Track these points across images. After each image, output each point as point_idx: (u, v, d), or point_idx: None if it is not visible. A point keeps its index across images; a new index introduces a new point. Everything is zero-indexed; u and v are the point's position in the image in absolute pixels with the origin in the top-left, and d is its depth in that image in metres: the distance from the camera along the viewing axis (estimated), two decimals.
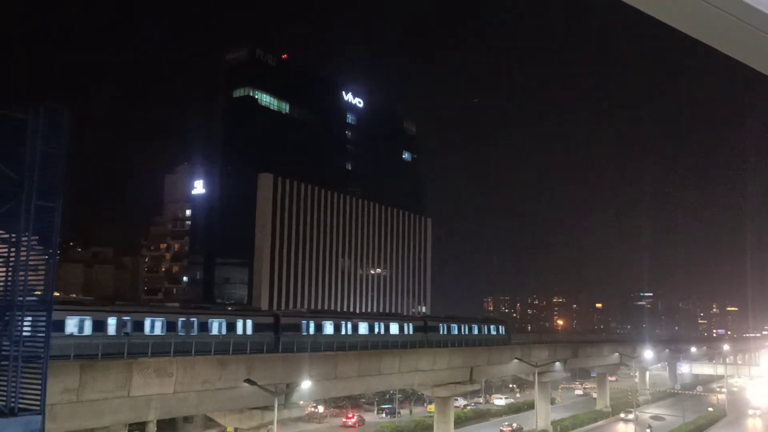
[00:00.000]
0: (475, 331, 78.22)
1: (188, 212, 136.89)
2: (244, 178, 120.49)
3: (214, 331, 46.33)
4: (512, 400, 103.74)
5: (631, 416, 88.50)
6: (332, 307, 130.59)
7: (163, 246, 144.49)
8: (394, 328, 65.21)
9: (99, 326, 38.53)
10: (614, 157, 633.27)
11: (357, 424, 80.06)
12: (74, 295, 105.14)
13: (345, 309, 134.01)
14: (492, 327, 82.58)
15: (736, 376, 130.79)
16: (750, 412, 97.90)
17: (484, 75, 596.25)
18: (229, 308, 67.15)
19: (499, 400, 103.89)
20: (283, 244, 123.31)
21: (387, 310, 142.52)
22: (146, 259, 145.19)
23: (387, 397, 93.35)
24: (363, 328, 61.06)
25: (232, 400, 42.16)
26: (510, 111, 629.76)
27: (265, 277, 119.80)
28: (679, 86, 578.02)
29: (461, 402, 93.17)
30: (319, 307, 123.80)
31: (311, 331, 54.59)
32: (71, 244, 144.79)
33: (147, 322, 42.04)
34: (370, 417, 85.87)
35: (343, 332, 58.04)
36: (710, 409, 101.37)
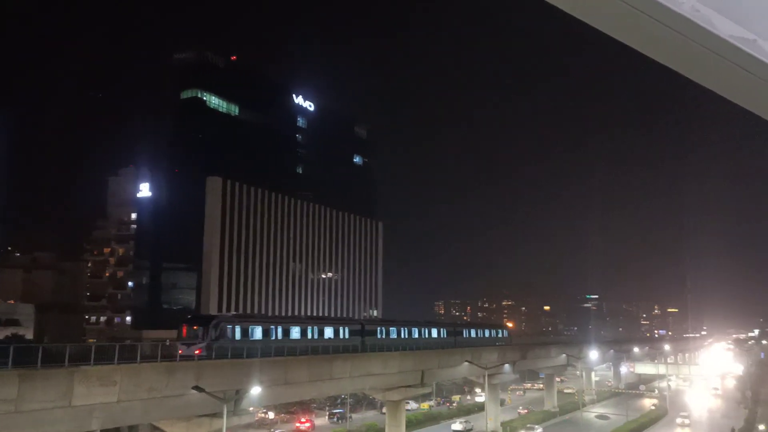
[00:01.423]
0: (487, 334, 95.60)
1: (133, 216, 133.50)
2: (192, 181, 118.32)
3: (326, 336, 60.83)
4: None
5: None
6: (283, 312, 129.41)
7: (106, 250, 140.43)
8: (434, 333, 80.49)
9: (266, 333, 53.50)
10: (563, 167, 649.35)
11: (311, 429, 79.34)
12: (12, 302, 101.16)
13: (296, 313, 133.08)
14: (499, 331, 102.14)
15: (676, 375, 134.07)
16: (678, 420, 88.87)
17: (436, 79, 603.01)
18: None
19: (480, 398, 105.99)
20: (233, 249, 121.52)
21: (338, 314, 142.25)
22: (89, 264, 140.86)
23: (338, 401, 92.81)
24: (415, 332, 75.30)
25: (179, 408, 41.09)
26: (462, 116, 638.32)
27: (213, 282, 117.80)
28: (626, 101, 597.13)
29: (413, 405, 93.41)
30: (270, 312, 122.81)
31: (383, 335, 69.04)
32: (9, 248, 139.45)
33: (293, 330, 57.07)
34: (321, 422, 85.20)
35: (403, 336, 72.21)
36: (652, 407, 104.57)
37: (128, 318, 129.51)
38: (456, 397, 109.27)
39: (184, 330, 49.59)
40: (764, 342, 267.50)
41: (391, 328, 72.11)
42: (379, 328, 70.27)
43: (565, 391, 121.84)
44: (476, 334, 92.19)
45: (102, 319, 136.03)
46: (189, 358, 43.65)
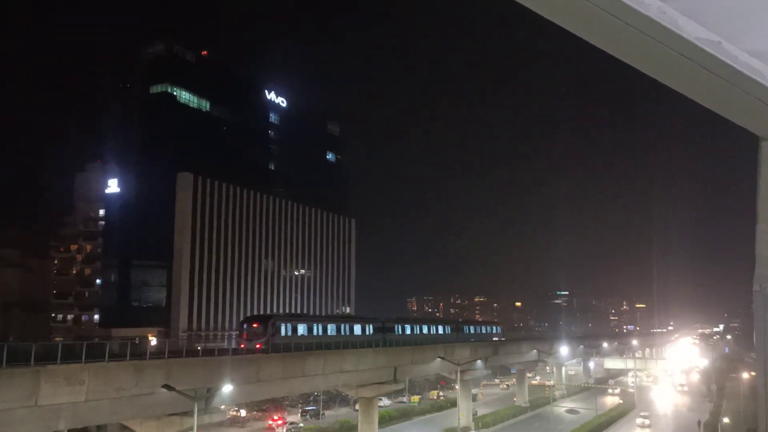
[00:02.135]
0: (484, 330, 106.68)
1: (101, 212, 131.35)
2: (162, 177, 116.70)
3: (356, 332, 68.89)
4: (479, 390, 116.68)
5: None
6: (256, 308, 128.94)
7: (74, 247, 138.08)
8: (440, 329, 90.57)
9: (310, 330, 62.10)
10: (536, 167, 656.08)
11: (285, 424, 79.06)
12: None
13: (269, 310, 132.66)
14: (494, 327, 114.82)
15: (636, 373, 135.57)
16: (639, 420, 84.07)
17: (410, 77, 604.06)
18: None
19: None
20: (204, 245, 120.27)
21: (311, 312, 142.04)
22: (55, 262, 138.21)
23: (311, 399, 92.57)
24: (425, 329, 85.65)
25: (149, 406, 40.59)
26: (437, 113, 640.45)
27: (184, 279, 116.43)
28: (595, 101, 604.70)
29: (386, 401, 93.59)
30: (242, 309, 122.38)
31: (400, 331, 77.90)
32: None
33: (329, 327, 66.15)
34: (294, 419, 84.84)
35: (416, 332, 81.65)
36: (620, 401, 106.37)
37: (96, 316, 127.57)
38: (434, 393, 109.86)
39: (245, 328, 59.64)
40: (728, 337, 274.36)
41: (405, 326, 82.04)
42: (396, 326, 79.31)
43: (546, 383, 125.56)
44: (475, 330, 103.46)
45: (69, 317, 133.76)
46: (250, 351, 52.63)
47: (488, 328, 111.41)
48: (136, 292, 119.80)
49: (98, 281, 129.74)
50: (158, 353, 43.78)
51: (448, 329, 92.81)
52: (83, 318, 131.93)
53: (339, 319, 72.38)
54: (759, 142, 3.64)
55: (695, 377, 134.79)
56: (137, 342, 44.06)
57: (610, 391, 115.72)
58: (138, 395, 39.26)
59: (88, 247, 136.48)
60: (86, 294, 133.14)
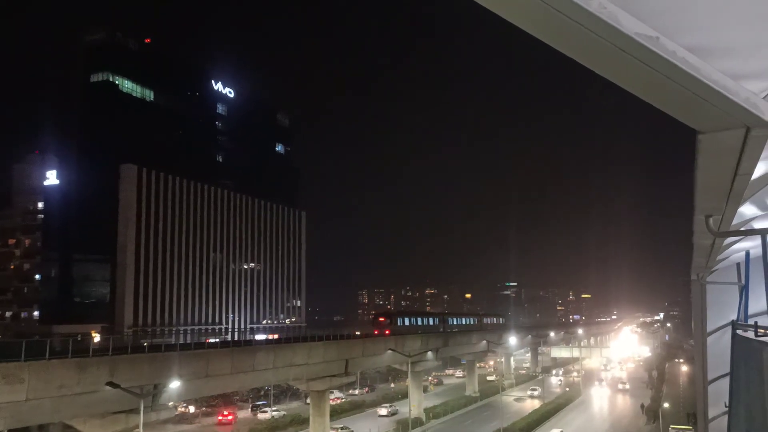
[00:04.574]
0: (494, 321, 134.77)
1: (40, 205, 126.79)
2: (105, 169, 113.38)
3: (429, 323, 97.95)
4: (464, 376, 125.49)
5: None
6: (204, 303, 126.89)
7: (11, 241, 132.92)
8: (471, 320, 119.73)
9: (409, 321, 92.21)
10: (483, 159, 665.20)
11: (234, 421, 78.18)
12: None
13: (218, 304, 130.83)
14: (500, 318, 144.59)
15: (557, 373, 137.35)
16: None
17: (362, 69, 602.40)
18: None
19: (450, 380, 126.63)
20: (150, 239, 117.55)
21: (261, 305, 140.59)
22: None
23: (261, 393, 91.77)
24: (463, 320, 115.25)
25: (92, 405, 39.53)
26: (386, 105, 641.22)
27: (129, 274, 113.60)
28: (541, 94, 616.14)
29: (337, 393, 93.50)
30: (190, 303, 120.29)
31: (451, 322, 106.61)
32: None
33: (418, 319, 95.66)
34: (244, 414, 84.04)
35: (458, 322, 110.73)
36: (567, 389, 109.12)
37: (36, 312, 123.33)
38: (407, 382, 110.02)
39: (376, 320, 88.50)
40: (668, 324, 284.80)
41: (453, 318, 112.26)
42: (448, 318, 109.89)
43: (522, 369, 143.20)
44: (490, 321, 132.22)
45: (7, 314, 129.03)
46: (382, 335, 78.27)
47: (498, 319, 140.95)
48: (78, 287, 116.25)
49: (38, 276, 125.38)
50: (102, 350, 42.71)
51: (474, 320, 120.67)
52: (22, 314, 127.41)
53: (421, 314, 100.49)
54: (696, 135, 3.73)
55: (634, 366, 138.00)
56: (80, 339, 42.80)
57: (528, 392, 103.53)
58: (81, 393, 38.23)
59: (27, 241, 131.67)
60: (25, 289, 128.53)
